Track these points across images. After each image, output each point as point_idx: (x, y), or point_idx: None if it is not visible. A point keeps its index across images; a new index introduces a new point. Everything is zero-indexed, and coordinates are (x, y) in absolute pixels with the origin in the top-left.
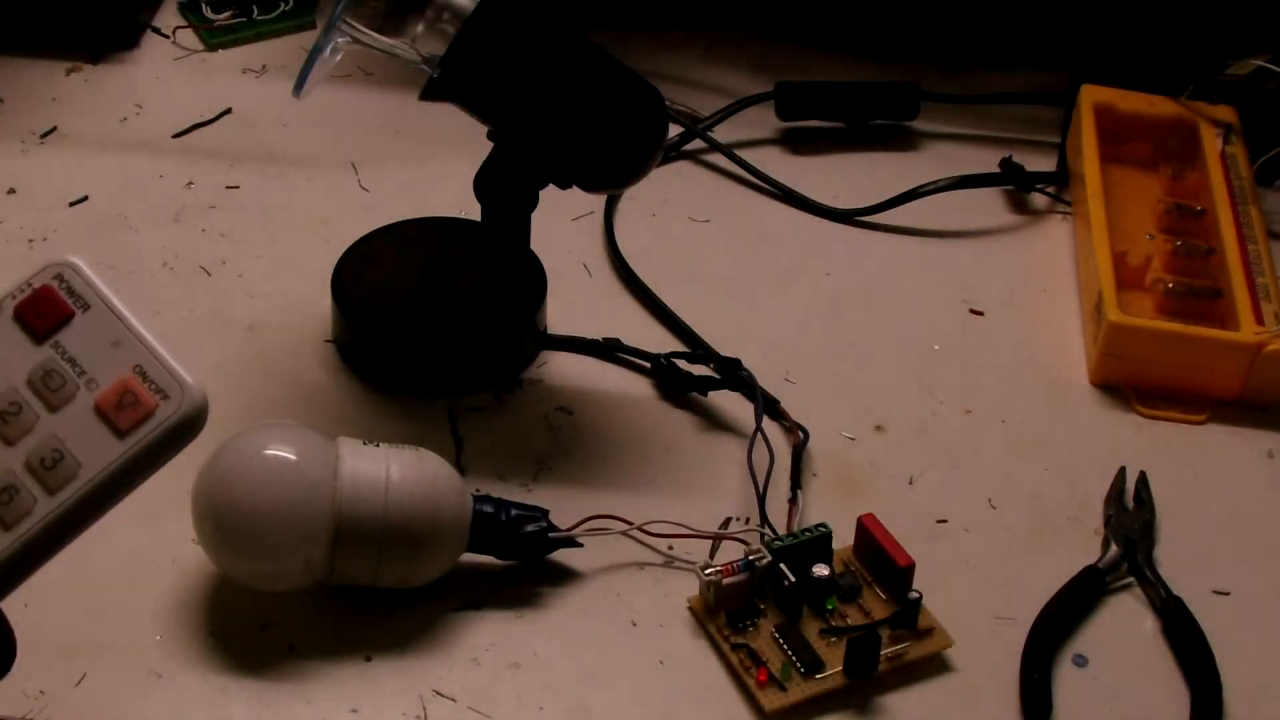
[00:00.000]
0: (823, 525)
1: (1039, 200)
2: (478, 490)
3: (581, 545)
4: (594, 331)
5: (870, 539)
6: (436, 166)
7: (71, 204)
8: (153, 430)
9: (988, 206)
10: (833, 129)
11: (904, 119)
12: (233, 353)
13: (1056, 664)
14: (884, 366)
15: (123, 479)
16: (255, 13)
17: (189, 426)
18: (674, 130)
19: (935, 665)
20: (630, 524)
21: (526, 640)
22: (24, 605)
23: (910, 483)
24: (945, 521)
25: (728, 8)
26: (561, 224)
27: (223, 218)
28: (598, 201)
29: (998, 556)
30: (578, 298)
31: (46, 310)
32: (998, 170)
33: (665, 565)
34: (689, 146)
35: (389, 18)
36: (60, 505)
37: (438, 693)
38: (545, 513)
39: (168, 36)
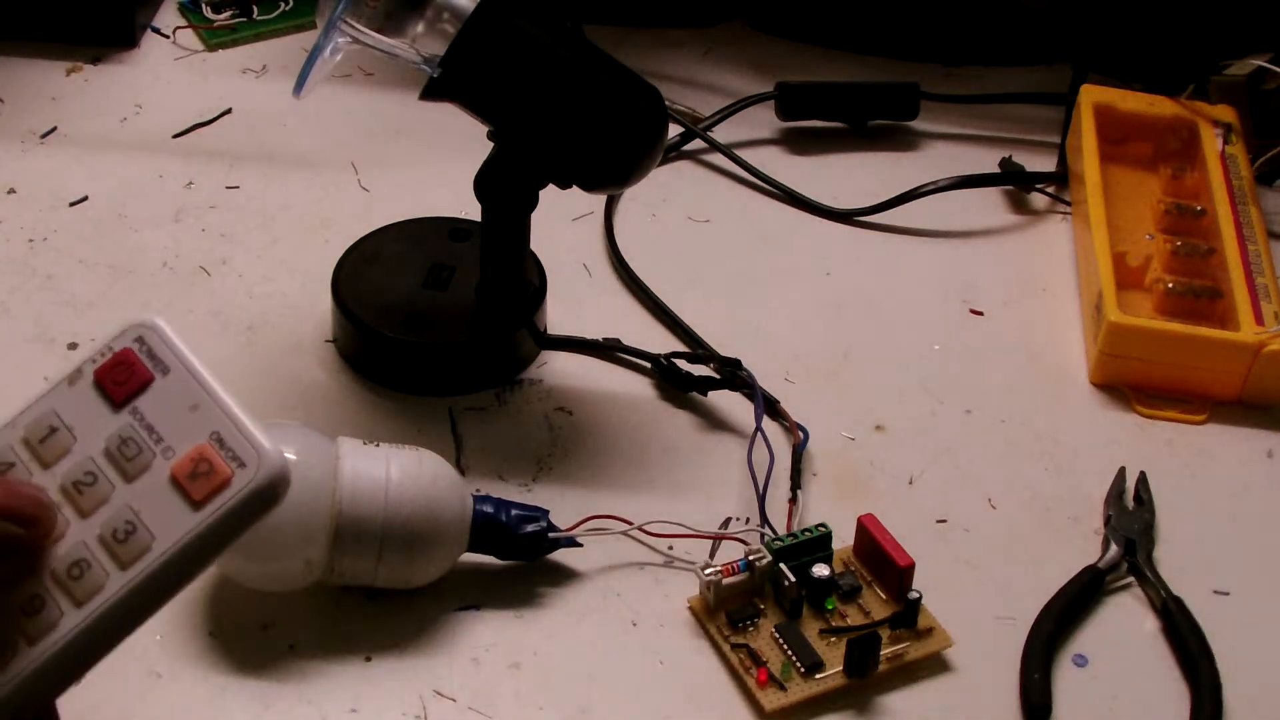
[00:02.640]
0: (823, 525)
1: (1039, 200)
2: (478, 490)
3: (581, 545)
4: (594, 331)
5: (870, 539)
6: (436, 166)
7: (71, 204)
8: (227, 501)
9: (988, 206)
10: (833, 129)
11: (904, 119)
12: (233, 353)
13: (1056, 664)
14: (884, 366)
15: (198, 552)
16: (255, 13)
17: (267, 496)
18: (674, 130)
19: (935, 665)
20: (630, 524)
21: (526, 640)
22: None
23: (910, 483)
24: (945, 521)
25: (728, 6)
26: (561, 224)
27: (223, 218)
28: (598, 201)
29: (998, 556)
30: (578, 298)
31: (125, 376)
32: (998, 170)
33: (665, 565)
34: (689, 146)
35: (389, 18)
36: (132, 581)
37: (438, 693)
38: (545, 513)
39: (168, 36)
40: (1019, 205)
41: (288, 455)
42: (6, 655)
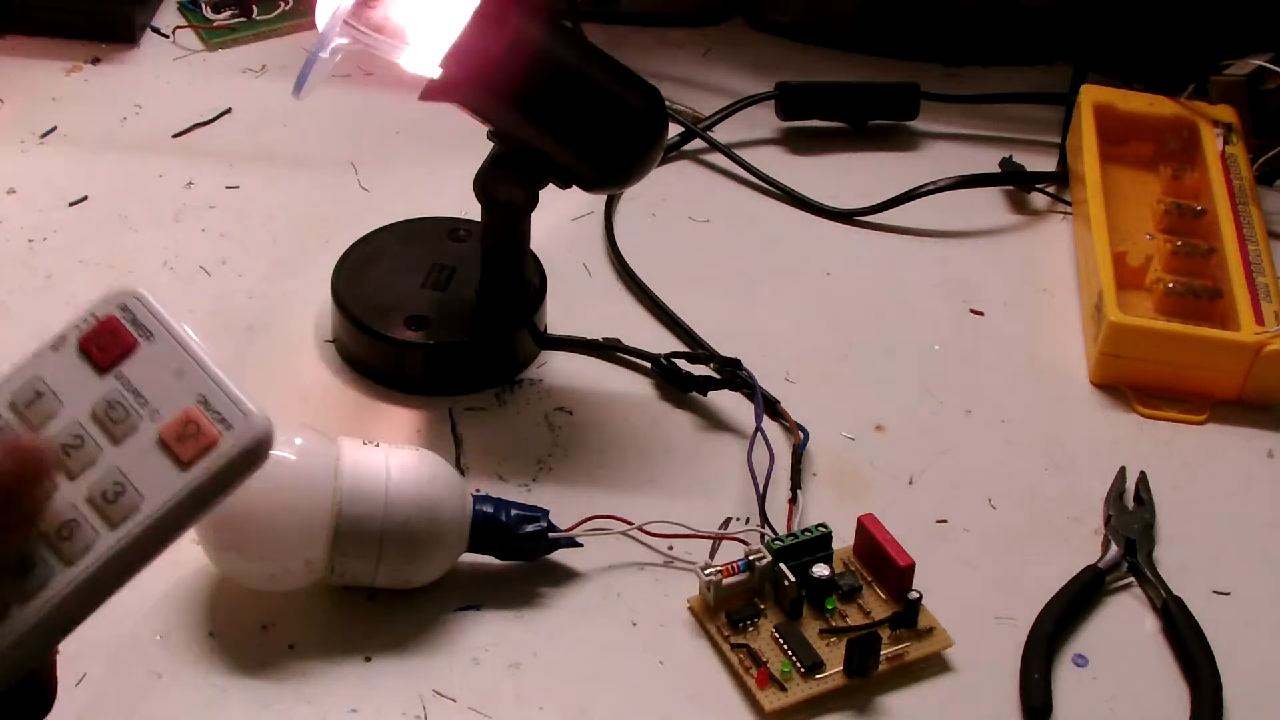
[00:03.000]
0: (823, 525)
1: (1039, 200)
2: (478, 490)
3: (581, 545)
4: (594, 331)
5: (870, 539)
6: (436, 166)
7: (71, 204)
8: (216, 461)
9: (988, 206)
10: (833, 129)
11: (904, 119)
12: (233, 353)
13: (1056, 664)
14: (884, 366)
15: (186, 511)
16: (255, 13)
17: (253, 456)
18: (674, 130)
19: (935, 665)
20: (630, 524)
21: (526, 640)
22: None
23: (910, 483)
24: (945, 521)
25: (728, 6)
26: (561, 224)
27: (223, 218)
28: (598, 201)
29: (998, 556)
30: (578, 298)
31: (109, 342)
32: (998, 170)
33: (665, 565)
34: (689, 146)
35: (388, 18)
36: (122, 539)
37: (438, 693)
38: (545, 513)
39: (168, 36)
40: (1019, 205)
41: (288, 456)
42: None
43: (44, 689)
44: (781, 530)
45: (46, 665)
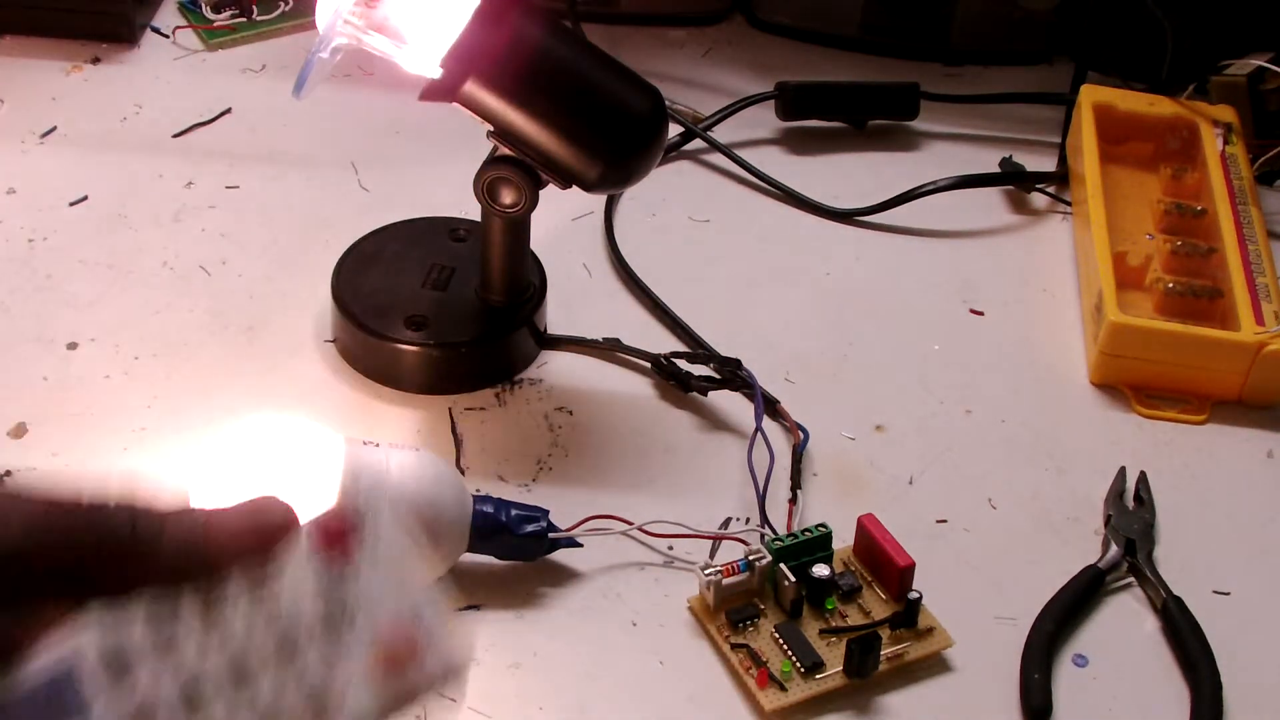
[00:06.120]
0: (823, 525)
1: (1039, 200)
2: (478, 490)
3: (581, 545)
4: (594, 331)
5: (870, 539)
6: (436, 166)
7: (71, 204)
8: (416, 681)
9: (988, 206)
10: (833, 129)
11: (904, 119)
12: (233, 353)
13: (1056, 664)
14: (884, 366)
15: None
16: (255, 13)
17: (448, 681)
18: (674, 130)
19: (935, 665)
20: (630, 524)
21: (526, 640)
22: None
23: (910, 483)
24: (945, 521)
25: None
26: (561, 224)
27: (223, 218)
28: (598, 201)
29: (998, 556)
30: (578, 298)
31: (334, 540)
32: (998, 170)
33: (665, 565)
34: (689, 146)
35: (389, 18)
36: None
37: (438, 693)
38: (545, 513)
39: (168, 36)
40: (1019, 205)
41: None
42: None
43: None
44: (781, 530)
45: None
